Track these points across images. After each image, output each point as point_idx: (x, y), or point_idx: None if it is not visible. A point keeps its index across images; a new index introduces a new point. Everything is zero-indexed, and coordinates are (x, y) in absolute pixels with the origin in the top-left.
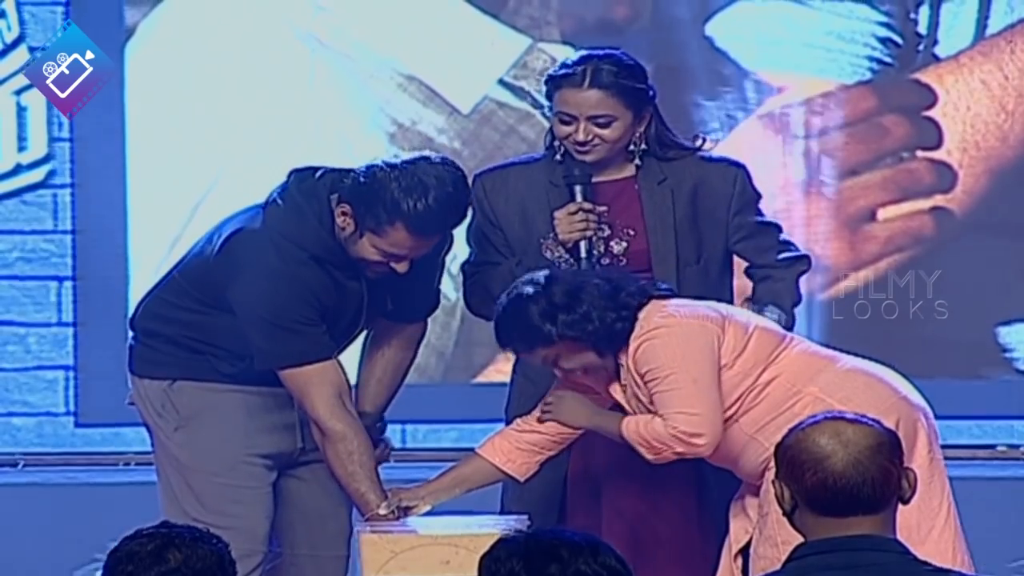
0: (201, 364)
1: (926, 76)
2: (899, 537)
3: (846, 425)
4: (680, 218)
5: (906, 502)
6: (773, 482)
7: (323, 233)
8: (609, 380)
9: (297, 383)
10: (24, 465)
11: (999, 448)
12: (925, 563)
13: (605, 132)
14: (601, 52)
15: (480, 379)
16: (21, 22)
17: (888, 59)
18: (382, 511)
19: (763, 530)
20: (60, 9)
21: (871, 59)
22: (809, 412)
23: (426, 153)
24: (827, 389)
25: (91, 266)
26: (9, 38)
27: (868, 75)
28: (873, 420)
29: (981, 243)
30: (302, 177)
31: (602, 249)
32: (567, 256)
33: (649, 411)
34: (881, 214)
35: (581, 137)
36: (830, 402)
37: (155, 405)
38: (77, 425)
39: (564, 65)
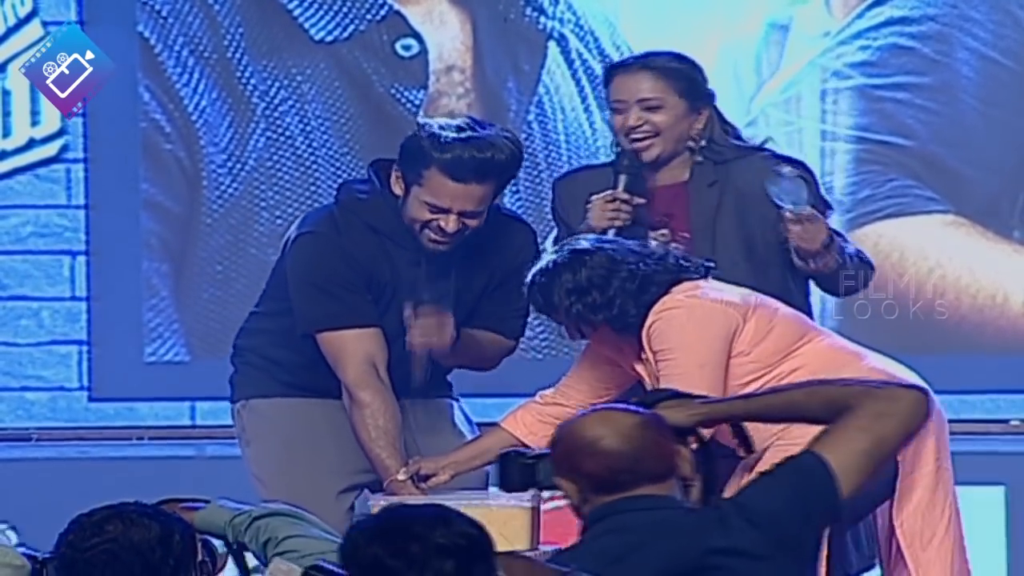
0: (266, 380)
1: None
2: (903, 544)
3: (609, 412)
4: (723, 220)
5: (686, 483)
6: (557, 481)
7: (385, 207)
8: (633, 354)
9: (332, 348)
10: (38, 439)
11: (1012, 422)
12: (704, 509)
13: (654, 117)
14: (657, 50)
15: None
16: None
17: None
18: (401, 477)
19: None
20: None
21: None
22: None
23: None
24: None
25: (104, 241)
26: (22, 12)
27: None
28: (632, 406)
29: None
30: (381, 164)
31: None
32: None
33: None
34: None
35: (632, 122)
36: None
37: (237, 427)
38: (91, 400)
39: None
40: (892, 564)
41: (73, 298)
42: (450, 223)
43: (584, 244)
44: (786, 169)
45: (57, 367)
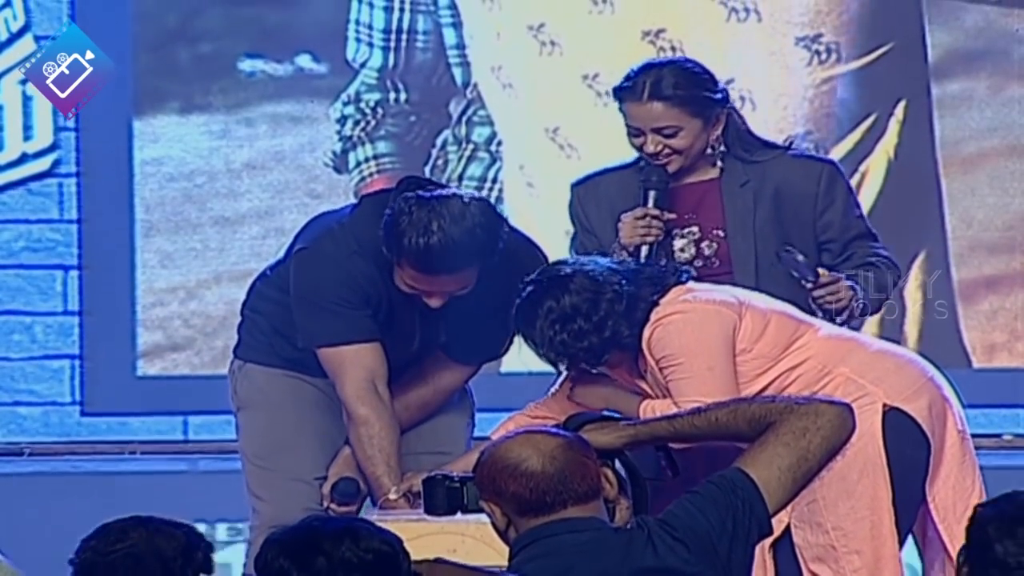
0: (267, 349)
1: None
2: (936, 518)
3: (533, 435)
4: (761, 220)
5: (610, 501)
6: (482, 503)
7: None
8: (631, 371)
9: (332, 363)
10: (30, 454)
11: (1005, 437)
12: (632, 529)
13: (673, 142)
14: (662, 61)
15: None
16: (27, 11)
17: None
18: (392, 496)
19: (811, 517)
20: None
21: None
22: (840, 392)
23: (458, 191)
24: (858, 370)
25: (97, 255)
26: (15, 27)
27: None
28: (556, 429)
29: None
30: (410, 185)
31: (672, 253)
32: (629, 259)
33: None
34: None
35: (650, 149)
36: (861, 382)
37: (231, 385)
38: (83, 414)
39: (627, 77)
40: (927, 539)
41: (66, 312)
42: (434, 301)
43: (565, 269)
44: (798, 255)
45: (49, 382)
